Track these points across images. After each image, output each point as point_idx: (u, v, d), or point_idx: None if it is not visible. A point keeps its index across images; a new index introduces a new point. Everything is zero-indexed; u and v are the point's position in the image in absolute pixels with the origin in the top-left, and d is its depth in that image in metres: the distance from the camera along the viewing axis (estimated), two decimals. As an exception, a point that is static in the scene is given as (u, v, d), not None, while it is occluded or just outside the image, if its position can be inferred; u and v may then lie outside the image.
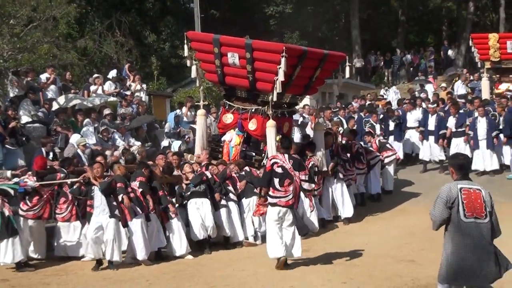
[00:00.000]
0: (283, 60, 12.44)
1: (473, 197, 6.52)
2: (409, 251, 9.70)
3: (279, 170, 10.29)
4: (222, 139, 14.44)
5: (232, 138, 14.09)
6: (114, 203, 11.05)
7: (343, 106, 22.73)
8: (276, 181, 10.24)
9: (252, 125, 13.77)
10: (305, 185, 11.04)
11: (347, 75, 15.09)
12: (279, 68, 12.55)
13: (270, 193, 10.30)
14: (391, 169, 17.07)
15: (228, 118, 14.26)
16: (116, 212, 11.02)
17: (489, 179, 16.78)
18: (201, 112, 15.01)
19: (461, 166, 6.74)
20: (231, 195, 12.81)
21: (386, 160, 16.78)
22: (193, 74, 14.58)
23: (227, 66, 13.68)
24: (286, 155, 10.53)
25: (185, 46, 14.39)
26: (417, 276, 9.54)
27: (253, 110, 13.80)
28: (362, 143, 16.81)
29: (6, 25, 16.90)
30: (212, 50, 13.62)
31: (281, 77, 12.61)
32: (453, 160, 6.91)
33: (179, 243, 11.77)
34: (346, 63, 14.65)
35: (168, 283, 10.00)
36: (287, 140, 11.03)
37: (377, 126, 18.85)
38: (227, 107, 14.38)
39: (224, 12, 34.65)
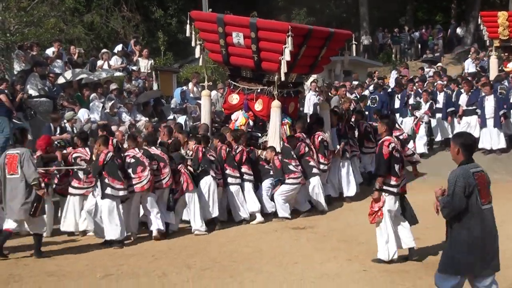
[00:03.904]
0: (289, 39, 12.31)
1: (484, 180, 6.10)
2: (414, 229, 9.68)
3: (397, 154, 9.37)
4: (231, 118, 14.33)
5: (238, 118, 13.99)
6: (108, 180, 10.84)
7: (361, 83, 22.18)
8: (397, 167, 9.31)
9: (258, 106, 13.70)
10: None
11: (354, 53, 14.91)
12: (285, 47, 12.40)
13: (392, 182, 9.31)
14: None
15: (234, 98, 14.18)
16: (109, 191, 10.82)
17: (496, 158, 16.73)
18: (205, 92, 14.85)
19: (469, 146, 6.21)
20: (246, 176, 12.74)
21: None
22: (197, 54, 14.47)
23: (232, 46, 13.55)
24: (394, 137, 9.70)
25: (187, 26, 14.29)
26: (422, 253, 9.57)
27: (258, 91, 13.71)
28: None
29: (13, -1, 16.87)
30: (217, 29, 13.47)
31: (287, 56, 12.48)
32: (460, 139, 6.28)
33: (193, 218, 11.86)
34: (352, 41, 14.48)
35: (174, 258, 10.06)
36: (390, 120, 10.32)
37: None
38: (232, 87, 14.29)
39: (231, -12, 34.38)
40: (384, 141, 9.47)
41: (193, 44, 14.35)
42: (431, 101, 18.19)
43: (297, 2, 34.60)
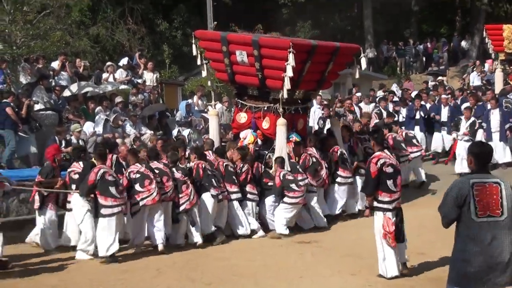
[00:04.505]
0: (290, 55, 12.21)
1: (488, 192, 5.79)
2: (419, 244, 9.66)
3: (389, 169, 9.22)
4: (241, 136, 14.15)
5: (247, 136, 13.82)
6: (101, 199, 10.69)
7: (386, 96, 21.49)
8: (390, 182, 9.15)
9: (265, 124, 13.55)
10: None
11: (364, 66, 14.64)
12: (287, 64, 12.29)
13: (386, 199, 9.18)
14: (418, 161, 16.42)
15: (242, 117, 14.05)
16: (103, 211, 10.65)
17: (502, 172, 16.66)
18: (213, 112, 14.72)
19: (481, 156, 5.96)
20: (250, 195, 12.68)
21: (412, 156, 15.97)
22: (204, 73, 14.52)
23: (236, 64, 13.49)
24: (387, 151, 9.63)
25: (193, 46, 14.28)
26: (427, 268, 9.53)
27: (265, 108, 13.59)
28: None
29: (20, 12, 16.95)
30: (221, 48, 13.42)
31: (289, 73, 12.35)
32: (474, 149, 6.08)
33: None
34: (361, 54, 14.36)
35: (178, 272, 10.03)
36: (380, 135, 10.26)
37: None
38: (239, 106, 14.17)
39: (236, 1, 34.50)
40: (372, 157, 9.46)
41: (198, 63, 14.34)
42: (473, 118, 16.95)
43: (302, 15, 34.70)
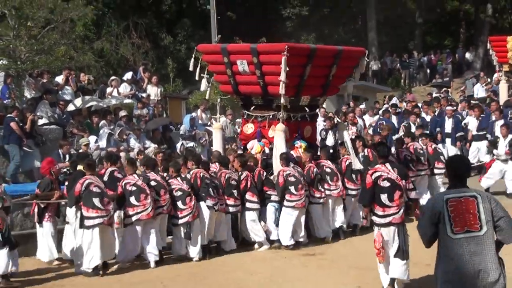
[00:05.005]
0: (283, 59, 12.15)
1: (464, 207, 5.63)
2: (425, 255, 9.52)
3: (385, 183, 9.01)
4: (248, 147, 14.02)
5: (254, 146, 13.69)
6: (84, 210, 10.67)
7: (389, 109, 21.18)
8: (384, 196, 8.96)
9: (271, 132, 13.35)
10: (412, 194, 9.74)
11: (363, 69, 14.44)
12: (282, 68, 12.21)
13: (379, 212, 9.01)
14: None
15: (249, 128, 13.97)
16: (85, 222, 10.64)
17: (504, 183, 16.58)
18: (217, 125, 14.64)
19: (455, 172, 5.84)
20: (248, 204, 12.42)
21: (436, 171, 15.08)
22: (203, 87, 14.47)
23: (239, 75, 13.45)
24: (388, 165, 9.32)
25: (192, 60, 14.26)
26: (432, 279, 9.44)
27: (270, 117, 13.48)
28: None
29: (24, 27, 16.99)
30: (222, 60, 13.41)
31: (282, 77, 12.25)
32: (448, 164, 6.11)
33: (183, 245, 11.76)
34: (365, 57, 14.21)
35: (182, 285, 10.03)
36: (385, 147, 9.95)
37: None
38: (246, 116, 14.12)
39: (240, 14, 34.65)
40: (370, 170, 9.45)
41: (196, 77, 14.32)
42: (511, 136, 15.81)
43: (306, 28, 34.82)
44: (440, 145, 17.66)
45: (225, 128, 17.43)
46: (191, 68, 14.35)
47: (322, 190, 12.87)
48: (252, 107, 13.92)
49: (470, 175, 5.87)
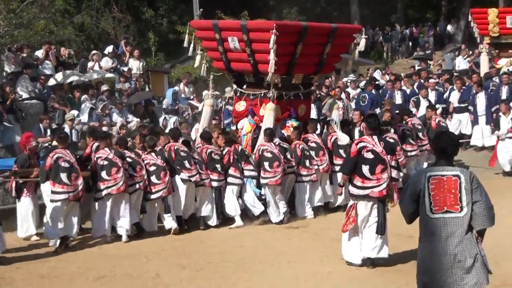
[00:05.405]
0: (272, 37, 12.06)
1: (445, 186, 5.49)
2: (408, 227, 9.65)
3: (369, 155, 8.93)
4: (238, 127, 13.92)
5: (244, 126, 13.58)
6: (50, 185, 10.56)
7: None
8: (366, 168, 8.88)
9: (262, 111, 13.22)
10: (394, 173, 9.61)
11: (362, 47, 14.21)
12: (270, 47, 12.13)
13: (358, 183, 8.94)
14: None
15: (241, 105, 13.82)
16: (51, 196, 10.55)
17: (487, 155, 16.74)
18: (208, 102, 14.50)
19: (441, 149, 5.67)
20: (230, 179, 12.28)
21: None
22: (197, 63, 14.35)
23: (230, 52, 13.30)
24: (375, 137, 9.19)
25: (186, 36, 14.21)
26: (415, 249, 9.54)
27: (262, 95, 13.37)
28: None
29: (3, 1, 16.75)
30: (214, 36, 13.27)
31: (271, 55, 12.18)
32: (434, 141, 5.95)
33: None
34: (362, 35, 14.06)
35: (167, 259, 10.04)
36: (375, 120, 9.71)
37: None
38: (238, 94, 14.02)
39: (222, -13, 34.37)
40: (357, 139, 9.46)
41: (190, 53, 14.21)
42: None
43: (288, 1, 34.60)
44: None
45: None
46: (185, 44, 14.25)
47: (310, 167, 12.72)
48: (245, 85, 13.83)
49: (457, 152, 5.74)
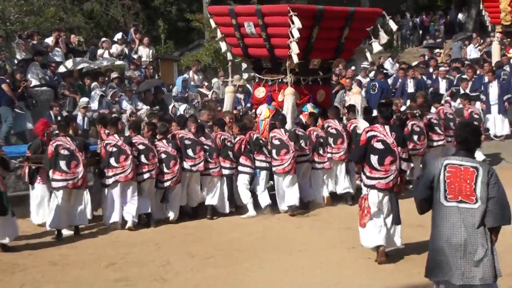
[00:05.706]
0: (295, 19, 11.80)
1: (462, 175, 5.46)
2: (418, 216, 9.62)
3: (378, 145, 8.70)
4: (257, 112, 13.62)
5: (262, 111, 13.34)
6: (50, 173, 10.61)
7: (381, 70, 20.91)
8: (375, 158, 8.66)
9: (281, 96, 13.03)
10: (403, 165, 9.46)
11: (383, 36, 13.93)
12: (291, 28, 11.90)
13: (367, 173, 8.78)
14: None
15: (261, 92, 13.63)
16: (52, 183, 10.63)
17: (499, 144, 16.69)
18: (229, 89, 14.23)
19: (463, 140, 5.61)
20: (241, 167, 12.17)
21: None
22: (223, 48, 14.16)
23: (247, 37, 13.16)
24: (387, 127, 8.92)
25: (211, 20, 14.17)
26: (426, 240, 9.52)
27: (280, 81, 13.22)
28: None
29: (13, -12, 16.80)
30: (231, 22, 13.16)
31: (295, 35, 11.89)
32: (457, 131, 5.90)
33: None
34: (386, 19, 13.79)
35: (177, 246, 10.07)
36: (388, 109, 9.44)
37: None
38: (257, 80, 13.91)
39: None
40: (368, 127, 9.27)
41: (218, 36, 14.02)
42: None
43: (298, -12, 34.45)
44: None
45: (218, 89, 17.36)
46: (219, 36, 14.07)
47: (324, 155, 12.54)
48: (263, 71, 13.71)
49: (479, 145, 5.68)
